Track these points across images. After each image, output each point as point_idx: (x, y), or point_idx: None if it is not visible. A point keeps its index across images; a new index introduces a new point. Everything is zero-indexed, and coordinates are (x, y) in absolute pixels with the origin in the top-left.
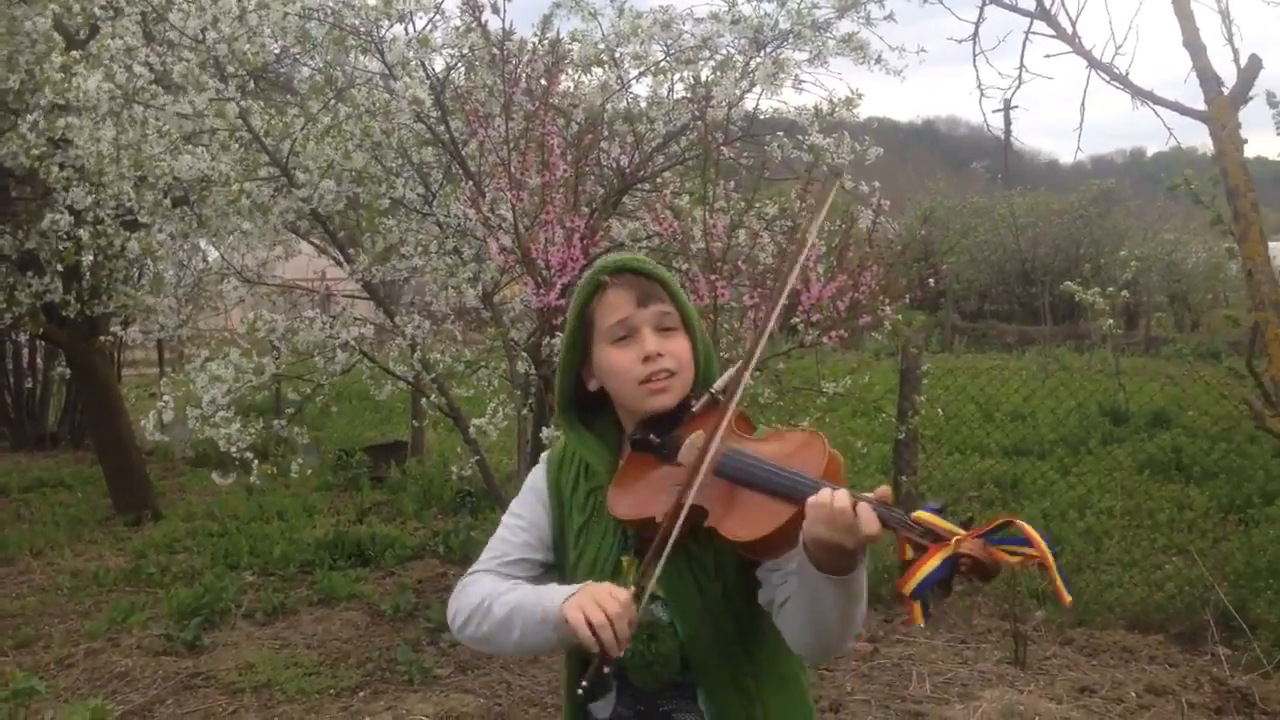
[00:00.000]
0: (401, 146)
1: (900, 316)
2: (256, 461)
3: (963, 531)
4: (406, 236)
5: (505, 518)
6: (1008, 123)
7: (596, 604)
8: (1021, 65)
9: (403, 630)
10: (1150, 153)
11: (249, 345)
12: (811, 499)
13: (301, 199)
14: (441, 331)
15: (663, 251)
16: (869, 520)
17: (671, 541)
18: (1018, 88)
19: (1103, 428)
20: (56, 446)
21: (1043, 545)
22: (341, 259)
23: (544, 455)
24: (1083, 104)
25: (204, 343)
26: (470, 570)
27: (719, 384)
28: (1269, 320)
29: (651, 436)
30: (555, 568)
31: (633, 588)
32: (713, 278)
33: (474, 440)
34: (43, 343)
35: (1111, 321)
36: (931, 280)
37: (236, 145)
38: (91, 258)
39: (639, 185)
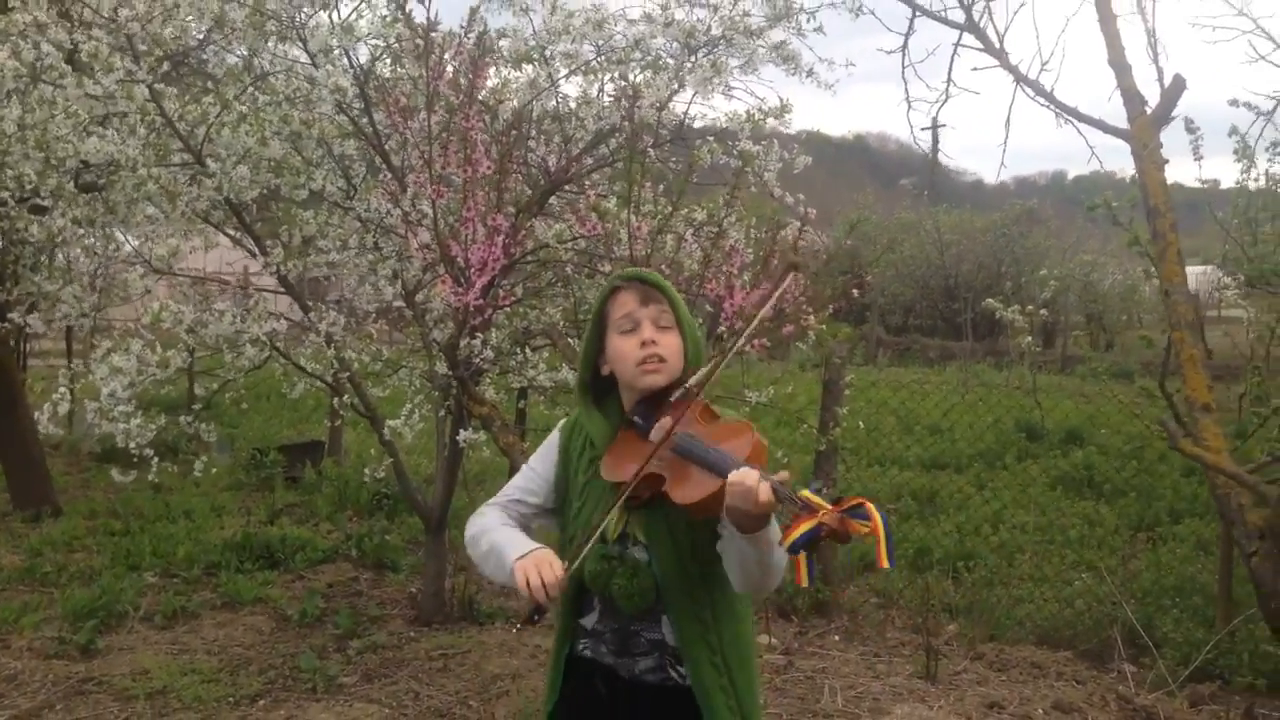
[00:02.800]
0: (323, 137)
1: (825, 327)
2: (156, 459)
3: (830, 506)
4: (326, 230)
5: (525, 466)
6: (935, 140)
7: (536, 569)
8: (949, 79)
9: (309, 636)
10: (1071, 175)
11: (154, 337)
12: (730, 475)
13: (213, 187)
14: (359, 330)
15: (588, 254)
16: (765, 492)
17: (625, 494)
18: (945, 101)
19: (1018, 444)
20: None
21: (878, 522)
22: (257, 251)
23: (561, 422)
24: (1008, 120)
25: (111, 333)
26: (489, 501)
27: (693, 380)
28: (1184, 340)
29: (637, 419)
30: (555, 512)
31: (568, 563)
32: None
33: (390, 441)
34: None
35: (1030, 339)
36: (856, 291)
37: (145, 129)
38: None
39: (566, 186)
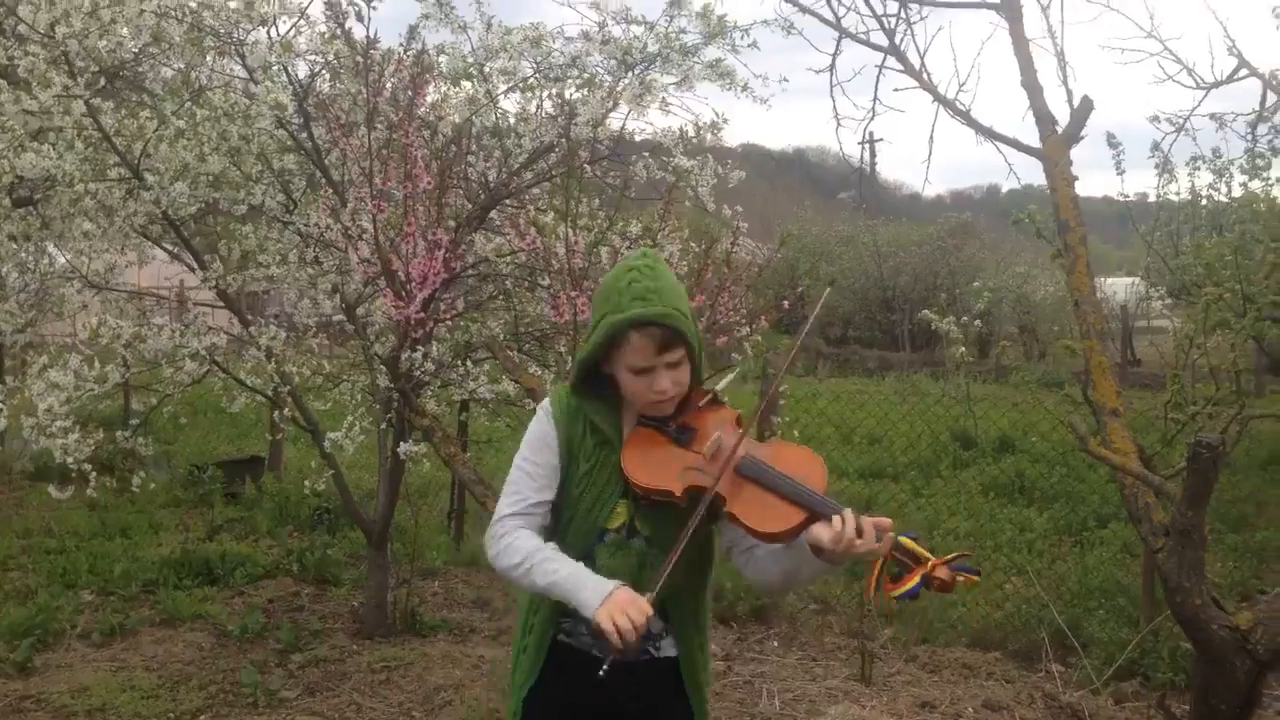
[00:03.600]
0: (262, 152)
1: (761, 339)
2: (94, 474)
3: (933, 558)
4: (265, 244)
5: (519, 462)
6: (872, 155)
7: (625, 613)
8: (875, 98)
9: (249, 652)
10: (1005, 189)
11: (91, 353)
12: (835, 518)
13: (150, 201)
14: (300, 343)
15: (528, 268)
16: (872, 543)
17: (695, 519)
18: (872, 119)
19: (953, 452)
20: None
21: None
22: (195, 265)
23: (543, 407)
24: (931, 137)
25: (45, 349)
26: (499, 514)
27: (720, 385)
28: (1093, 348)
29: (670, 423)
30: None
31: (651, 596)
32: (574, 294)
33: (331, 454)
34: None
35: (964, 349)
36: (785, 303)
37: (83, 144)
38: None
39: (505, 201)
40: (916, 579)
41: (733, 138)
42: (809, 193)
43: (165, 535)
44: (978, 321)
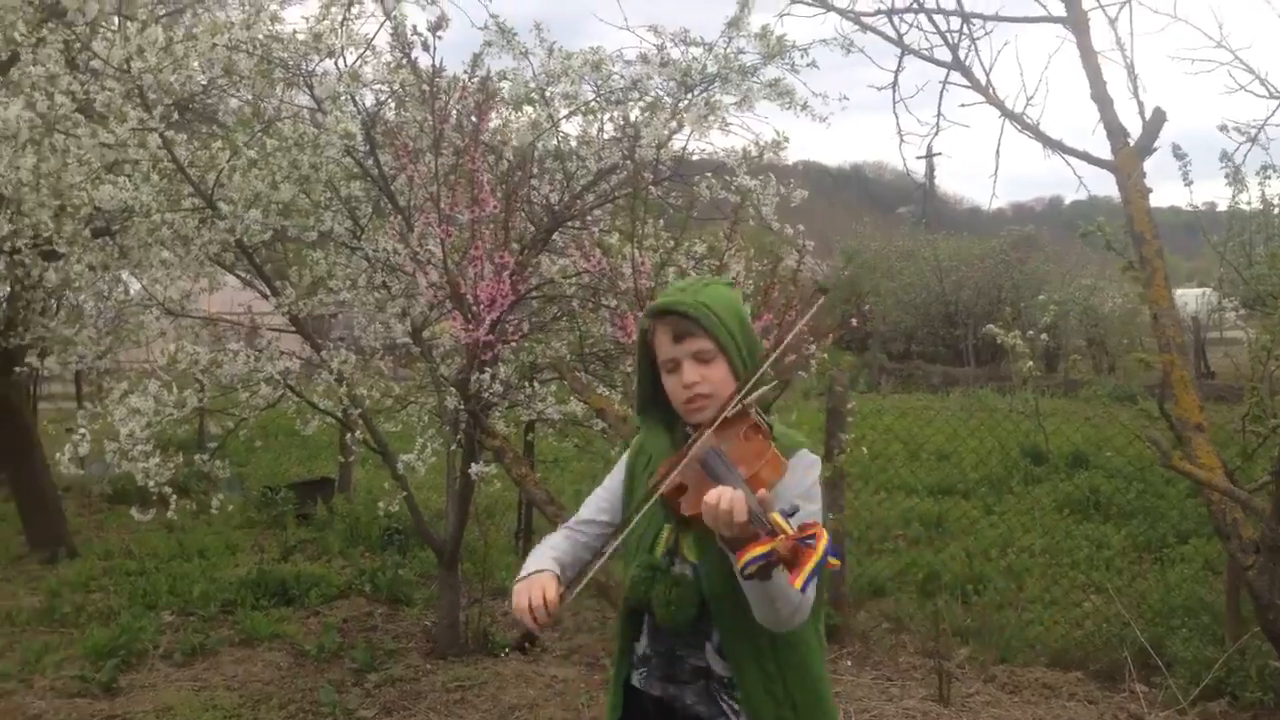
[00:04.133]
0: (330, 180)
1: (827, 356)
2: (175, 497)
3: (792, 532)
4: (334, 270)
5: (598, 488)
6: (931, 170)
7: (528, 593)
8: (939, 114)
9: (326, 671)
10: (1068, 200)
11: (169, 378)
12: (708, 496)
13: (225, 229)
14: (369, 366)
15: (592, 289)
16: (738, 513)
17: (649, 502)
18: (936, 134)
19: (1024, 468)
20: None
21: (815, 555)
22: (268, 292)
23: (633, 444)
24: (997, 151)
25: (123, 376)
26: (562, 524)
27: (753, 398)
28: (1173, 362)
29: (689, 430)
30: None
31: (562, 589)
32: (640, 314)
33: (403, 476)
34: None
35: (1031, 364)
36: (854, 320)
37: (158, 176)
38: (8, 289)
39: (569, 223)
40: (760, 549)
41: (790, 155)
42: (867, 208)
43: (241, 556)
44: (1044, 335)
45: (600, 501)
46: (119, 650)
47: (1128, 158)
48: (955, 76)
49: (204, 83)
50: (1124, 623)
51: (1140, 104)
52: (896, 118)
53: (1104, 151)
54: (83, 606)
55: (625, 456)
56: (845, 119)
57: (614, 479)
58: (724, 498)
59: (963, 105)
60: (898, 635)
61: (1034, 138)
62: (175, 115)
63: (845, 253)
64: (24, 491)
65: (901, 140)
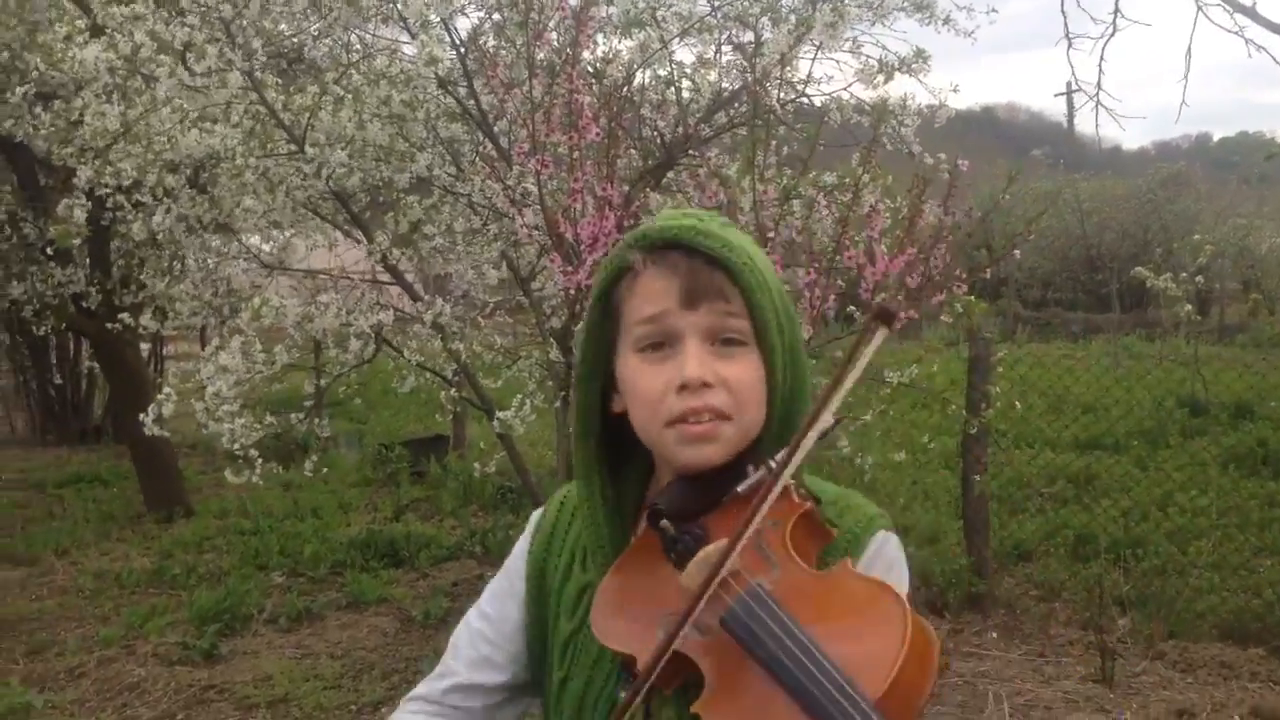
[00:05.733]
0: (428, 119)
1: (971, 299)
2: (259, 460)
3: None
4: (432, 215)
5: (472, 611)
6: (1071, 106)
7: None
8: (1116, 10)
9: (432, 639)
10: (1216, 138)
11: (254, 335)
12: None
13: (312, 173)
14: (472, 319)
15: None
16: None
17: (641, 691)
18: (1111, 35)
19: (1182, 420)
20: (100, 441)
21: None
22: (364, 239)
23: (535, 515)
24: (1189, 50)
25: (235, 332)
26: (410, 695)
27: (783, 454)
28: None
29: (664, 522)
30: (531, 687)
31: None
32: (764, 250)
33: (504, 434)
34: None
35: (1189, 307)
36: (987, 271)
37: (248, 119)
38: (118, 246)
39: (684, 157)
40: None
41: (923, 101)
42: (1000, 151)
43: (354, 515)
44: (1199, 278)
45: (481, 645)
46: (224, 614)
47: None
48: None
49: (314, 33)
50: None
51: None
52: (1065, 17)
53: None
54: (194, 567)
55: (522, 551)
56: (975, 60)
57: (504, 602)
58: None
59: None
60: (1049, 605)
61: (1243, 21)
62: (262, 54)
63: (1011, 173)
64: (141, 450)
65: (1070, 45)
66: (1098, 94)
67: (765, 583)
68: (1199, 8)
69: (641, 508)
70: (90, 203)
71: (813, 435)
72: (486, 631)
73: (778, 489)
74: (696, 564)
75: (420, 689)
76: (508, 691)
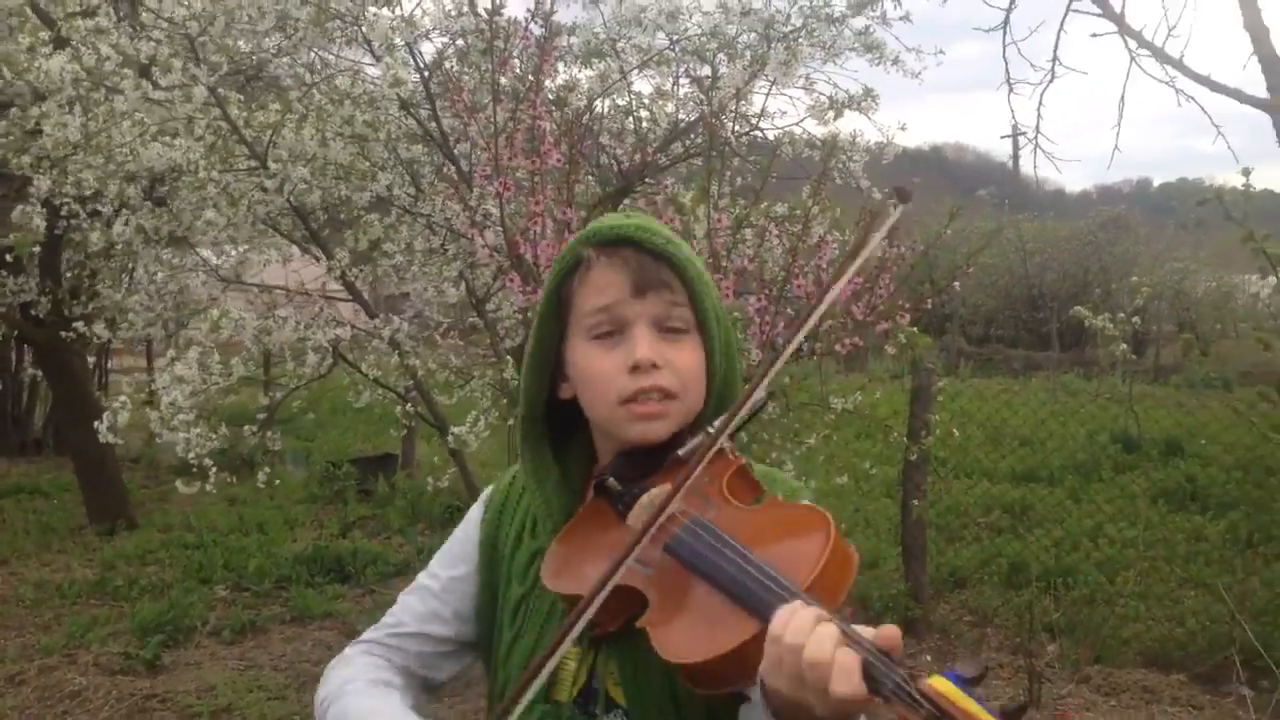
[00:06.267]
0: (389, 140)
1: (915, 330)
2: (214, 470)
3: (989, 717)
4: (390, 234)
5: (422, 577)
6: (1016, 146)
7: None
8: (1055, 58)
9: None
10: (1156, 183)
11: (210, 345)
12: (773, 623)
13: (274, 189)
14: (425, 337)
15: None
16: (848, 678)
17: (578, 622)
18: (1050, 82)
19: (1114, 455)
20: (40, 453)
21: None
22: (323, 256)
23: (486, 491)
24: (1121, 98)
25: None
26: (358, 639)
27: (720, 420)
28: None
29: (611, 480)
30: (477, 646)
31: None
32: (717, 277)
33: (456, 450)
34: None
35: (1125, 347)
36: (929, 302)
37: (209, 134)
38: (70, 257)
39: (641, 184)
40: None
41: (869, 134)
42: (947, 190)
43: (300, 531)
44: (1135, 318)
45: (430, 601)
46: (166, 626)
47: None
48: (1080, 5)
49: (273, 51)
50: (1229, 621)
51: None
52: (1006, 63)
53: (1256, 90)
54: (136, 579)
55: (475, 520)
56: (924, 98)
57: (455, 563)
58: (818, 636)
59: (1094, 35)
60: (981, 630)
61: (1172, 75)
62: (225, 69)
63: (949, 213)
64: (84, 462)
65: (1011, 89)
66: (1036, 137)
67: (705, 517)
68: (1132, 58)
69: (587, 482)
70: (45, 210)
71: (748, 406)
72: (435, 589)
73: (716, 447)
74: (641, 506)
75: (366, 635)
76: (452, 645)
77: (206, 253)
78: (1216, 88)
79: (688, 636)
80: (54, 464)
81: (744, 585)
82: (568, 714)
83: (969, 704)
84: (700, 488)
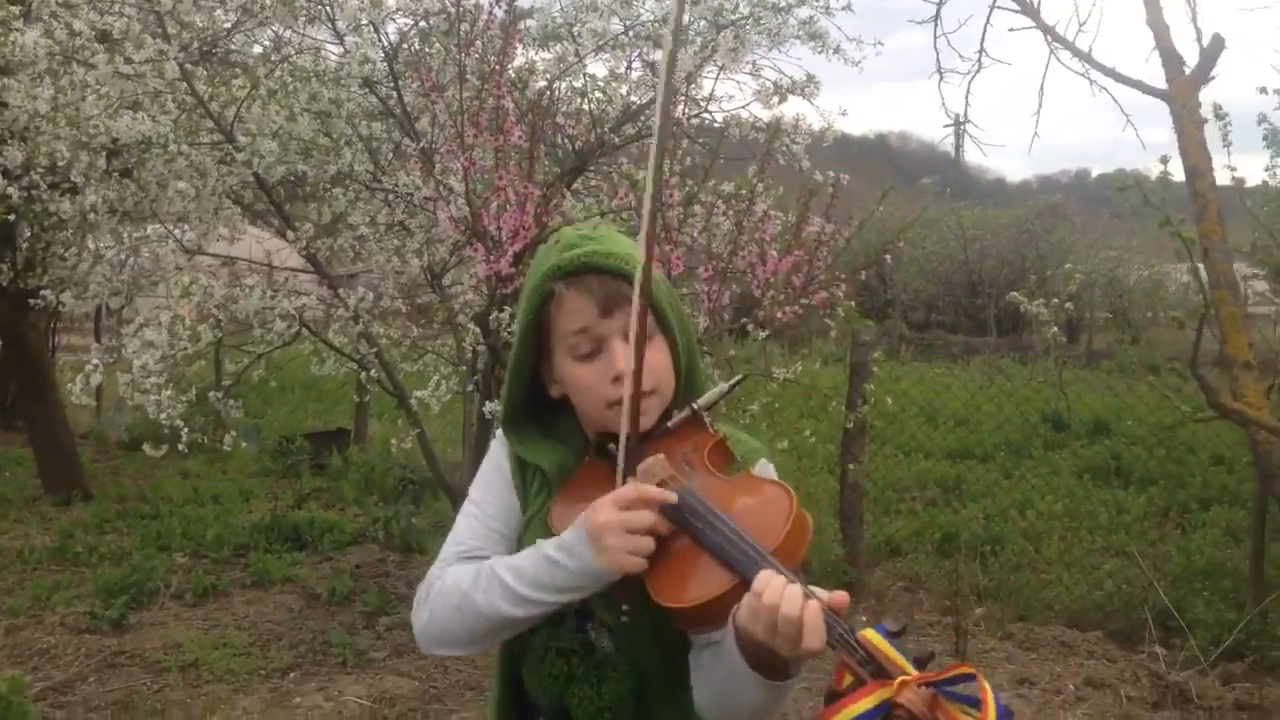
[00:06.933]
0: (350, 117)
1: (853, 304)
2: (186, 431)
3: (913, 672)
4: (353, 209)
5: (466, 505)
6: (959, 135)
7: (621, 528)
8: (981, 50)
9: (338, 614)
10: (1095, 173)
11: (181, 312)
12: (755, 584)
13: (243, 162)
14: (381, 312)
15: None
16: (815, 631)
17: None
18: (977, 72)
19: (1044, 434)
20: None
21: (992, 714)
22: (286, 230)
23: (499, 437)
24: (1041, 88)
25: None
26: (427, 576)
27: (703, 399)
28: (1223, 299)
29: (611, 445)
30: None
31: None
32: (668, 248)
33: (416, 413)
34: None
35: (1056, 330)
36: (862, 274)
37: (176, 108)
38: (29, 229)
39: (596, 162)
40: (869, 702)
41: (814, 121)
42: (892, 177)
43: (255, 503)
44: (1068, 304)
45: (494, 523)
46: (130, 589)
47: (1183, 87)
48: (1003, 2)
49: (228, 26)
50: (1145, 585)
51: (1198, 31)
52: (937, 54)
53: (1158, 83)
54: (95, 547)
55: (501, 456)
56: (870, 87)
57: (497, 490)
58: (788, 596)
59: (1011, 30)
60: (914, 594)
61: (1083, 71)
62: (195, 47)
63: (884, 191)
64: (39, 433)
65: (941, 78)
66: (965, 123)
67: (691, 485)
68: (1050, 50)
69: (584, 446)
70: (4, 180)
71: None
72: (492, 514)
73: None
74: (642, 470)
75: (438, 562)
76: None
77: (155, 225)
78: (1122, 79)
79: (676, 584)
80: (2, 438)
81: (723, 547)
82: (568, 632)
83: (891, 650)
84: (686, 456)
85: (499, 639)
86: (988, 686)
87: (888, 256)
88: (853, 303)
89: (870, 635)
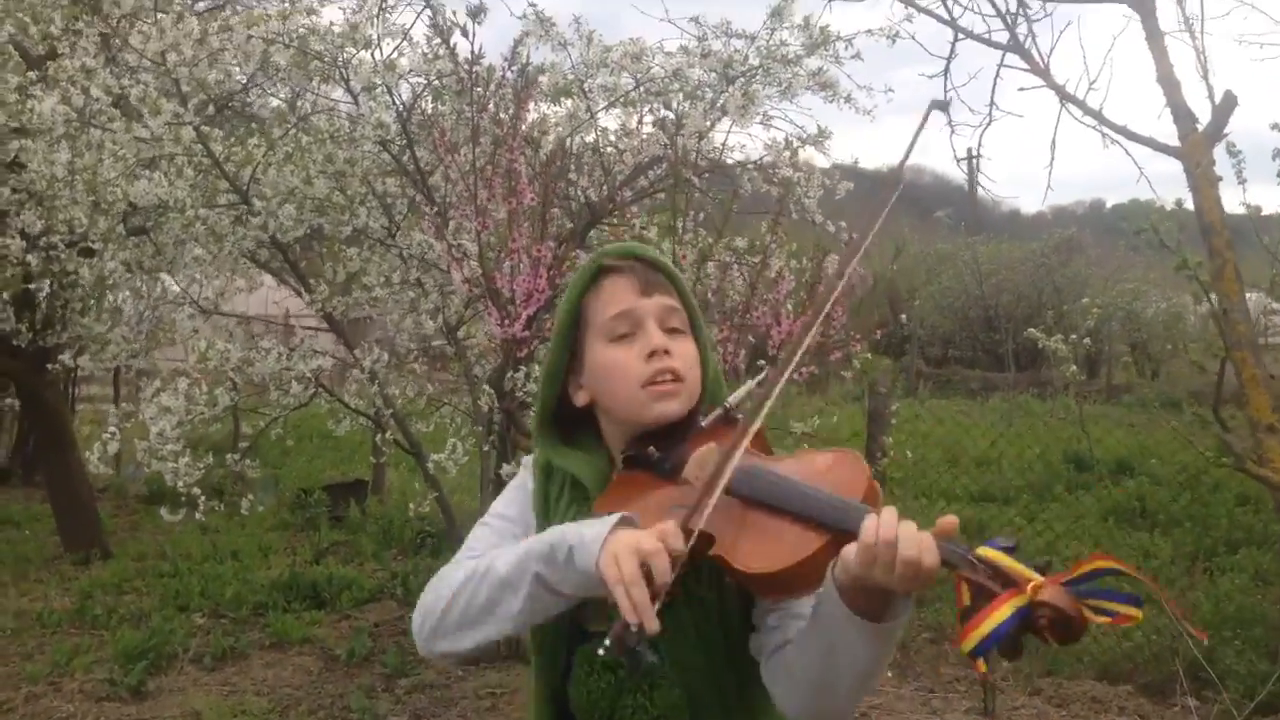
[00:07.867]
0: (365, 175)
1: (870, 356)
2: (203, 498)
3: (1040, 577)
4: (368, 267)
5: (486, 518)
6: (973, 169)
7: (635, 553)
8: (992, 103)
9: (357, 676)
10: (1110, 204)
11: (199, 376)
12: (866, 526)
13: (259, 226)
14: (402, 366)
15: None
16: (933, 555)
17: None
18: (988, 125)
19: (1067, 475)
20: (7, 482)
21: (1134, 609)
22: (301, 289)
23: (526, 460)
24: (1053, 142)
25: (158, 375)
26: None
27: (734, 397)
28: (1245, 360)
29: (652, 449)
30: None
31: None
32: None
33: (434, 476)
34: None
35: (1074, 368)
36: (902, 318)
37: (193, 171)
38: (47, 287)
39: (607, 218)
40: (1006, 610)
41: (830, 154)
42: (905, 210)
43: (274, 558)
44: (1087, 339)
45: (504, 532)
46: (148, 653)
47: (1196, 144)
48: (1011, 60)
49: (243, 81)
50: (1174, 634)
51: (1210, 87)
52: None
53: (1170, 138)
54: (114, 608)
55: (526, 478)
56: (884, 120)
57: (520, 507)
58: (900, 527)
59: (1021, 89)
60: (939, 645)
61: (1095, 125)
62: (211, 110)
63: (893, 246)
64: (59, 491)
65: (952, 131)
66: (978, 157)
67: (756, 462)
68: (1061, 104)
69: (609, 464)
70: (25, 243)
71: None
72: (502, 525)
73: (775, 393)
74: (695, 462)
75: (454, 562)
76: None
77: (169, 279)
78: (1133, 137)
79: (763, 552)
80: (23, 494)
81: (809, 508)
82: (615, 650)
83: (1011, 561)
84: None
85: (489, 632)
86: (1125, 565)
87: (902, 318)
88: (869, 354)
89: (989, 552)
